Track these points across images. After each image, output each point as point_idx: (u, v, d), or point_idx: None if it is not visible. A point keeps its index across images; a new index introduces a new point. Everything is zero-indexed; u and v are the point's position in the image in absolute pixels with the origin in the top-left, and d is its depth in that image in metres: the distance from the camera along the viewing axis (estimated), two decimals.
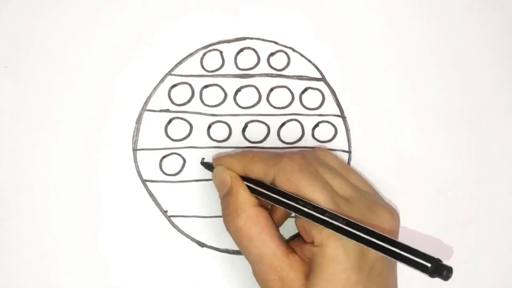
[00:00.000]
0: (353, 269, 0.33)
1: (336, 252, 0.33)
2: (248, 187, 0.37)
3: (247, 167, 0.37)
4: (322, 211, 0.33)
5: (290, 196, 0.35)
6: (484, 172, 0.42)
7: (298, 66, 0.43)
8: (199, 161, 0.42)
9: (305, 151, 0.38)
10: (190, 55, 0.42)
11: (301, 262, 0.35)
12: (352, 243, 0.33)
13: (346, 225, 0.33)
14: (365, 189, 0.38)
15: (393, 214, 0.36)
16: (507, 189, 0.42)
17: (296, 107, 0.43)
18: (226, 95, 0.42)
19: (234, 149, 0.42)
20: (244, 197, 0.36)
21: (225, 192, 0.37)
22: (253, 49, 0.43)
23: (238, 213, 0.36)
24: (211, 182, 0.42)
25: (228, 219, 0.36)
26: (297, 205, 0.34)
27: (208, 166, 0.40)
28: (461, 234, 0.42)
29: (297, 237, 0.38)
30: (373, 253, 0.34)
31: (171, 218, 0.42)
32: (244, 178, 0.37)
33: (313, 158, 0.37)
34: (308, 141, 0.42)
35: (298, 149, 0.42)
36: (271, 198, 0.35)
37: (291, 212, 0.35)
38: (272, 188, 0.36)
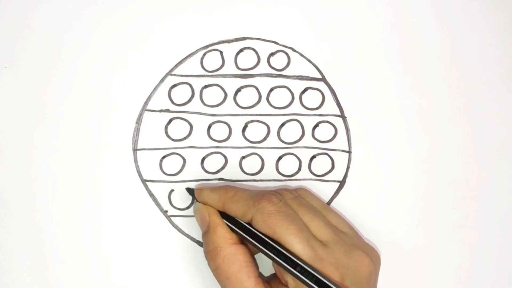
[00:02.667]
0: None
1: None
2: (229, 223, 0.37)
3: (227, 204, 0.37)
4: (294, 265, 0.34)
5: (265, 242, 0.35)
6: (485, 172, 0.42)
7: (298, 66, 0.43)
8: (198, 162, 0.42)
9: (287, 190, 0.38)
10: (190, 55, 0.42)
11: None
12: None
13: (314, 283, 0.33)
14: (345, 231, 0.38)
15: (372, 257, 0.36)
16: (507, 189, 0.42)
17: (296, 107, 0.43)
18: (226, 95, 0.42)
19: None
20: (222, 235, 0.37)
21: (205, 229, 0.38)
22: (253, 49, 0.43)
23: (217, 251, 0.36)
24: (214, 182, 0.42)
25: (208, 257, 0.37)
26: (270, 253, 0.34)
27: (192, 193, 0.40)
28: (461, 234, 0.42)
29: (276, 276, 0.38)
30: None
31: (171, 218, 0.42)
32: (224, 214, 0.37)
33: (293, 198, 0.37)
34: (308, 141, 0.42)
35: (299, 148, 0.42)
36: (247, 240, 0.36)
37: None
38: (249, 230, 0.36)
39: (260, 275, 0.36)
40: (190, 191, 0.41)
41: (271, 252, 0.34)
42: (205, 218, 0.38)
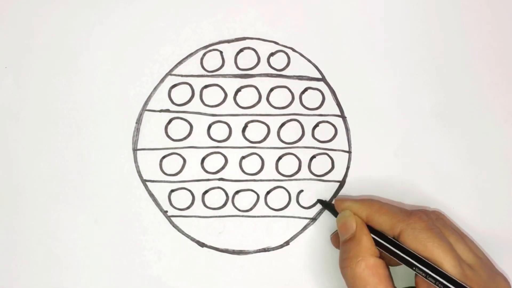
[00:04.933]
0: None
1: None
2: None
3: (372, 216, 0.37)
4: (448, 278, 0.34)
5: (413, 256, 0.35)
6: (484, 171, 0.42)
7: (298, 66, 0.43)
8: (198, 162, 0.42)
9: (427, 211, 0.39)
10: (190, 55, 0.42)
11: None
12: None
13: None
14: (482, 257, 0.38)
15: (508, 282, 0.37)
16: (507, 188, 0.42)
17: (296, 107, 0.43)
18: (226, 95, 0.42)
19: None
20: (367, 245, 0.37)
21: (347, 236, 0.38)
22: (253, 49, 0.43)
23: (358, 260, 0.36)
24: (214, 182, 0.42)
25: (346, 263, 0.37)
26: (421, 266, 0.35)
27: (326, 205, 0.41)
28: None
29: None
30: None
31: (171, 218, 0.42)
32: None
33: (436, 219, 0.38)
34: (308, 141, 0.42)
35: (299, 148, 0.42)
36: (394, 253, 0.36)
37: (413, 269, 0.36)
38: (396, 243, 0.36)
39: None
40: (323, 202, 0.41)
41: (421, 267, 0.35)
42: (351, 226, 0.38)
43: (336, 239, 0.40)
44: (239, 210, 0.42)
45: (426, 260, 0.35)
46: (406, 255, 0.36)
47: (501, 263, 0.41)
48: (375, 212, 0.37)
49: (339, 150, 0.42)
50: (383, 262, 0.36)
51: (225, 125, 0.42)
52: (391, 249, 0.36)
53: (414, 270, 0.35)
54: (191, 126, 0.42)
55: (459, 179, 0.42)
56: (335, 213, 0.40)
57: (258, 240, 0.42)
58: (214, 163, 0.42)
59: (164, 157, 0.42)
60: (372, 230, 0.37)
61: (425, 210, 0.39)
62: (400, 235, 0.36)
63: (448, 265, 0.35)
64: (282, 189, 0.42)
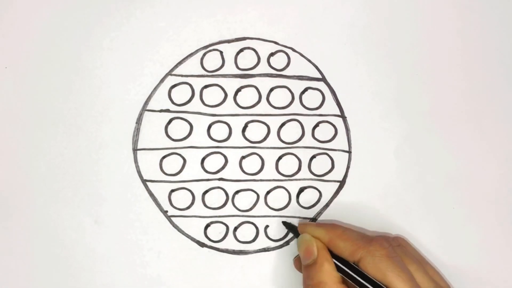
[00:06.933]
0: None
1: None
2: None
3: (334, 241, 0.37)
4: None
5: (375, 283, 0.35)
6: (484, 171, 0.42)
7: (298, 66, 0.43)
8: (198, 162, 0.42)
9: (389, 238, 0.39)
10: (190, 55, 0.42)
11: None
12: None
13: None
14: (442, 285, 0.38)
15: None
16: (507, 188, 0.42)
17: (296, 107, 0.43)
18: (226, 95, 0.42)
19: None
20: (329, 271, 0.37)
21: (309, 262, 0.38)
22: (253, 49, 0.43)
23: (321, 286, 0.36)
24: (214, 182, 0.42)
25: None
26: None
27: (291, 227, 0.41)
28: (461, 234, 0.42)
29: None
30: None
31: (171, 218, 0.42)
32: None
33: (397, 246, 0.38)
34: (308, 141, 0.42)
35: (299, 148, 0.42)
36: (355, 279, 0.36)
37: None
38: (358, 270, 0.36)
39: None
40: (287, 225, 0.41)
41: None
42: (312, 251, 0.38)
43: (298, 263, 0.40)
44: (239, 210, 0.42)
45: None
46: (367, 282, 0.36)
47: (501, 263, 0.41)
48: (337, 237, 0.37)
49: (339, 150, 0.42)
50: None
51: (225, 125, 0.42)
52: (352, 276, 0.36)
53: None
54: (191, 126, 0.42)
55: (459, 179, 0.42)
56: (298, 235, 0.40)
57: (258, 240, 0.42)
58: (214, 163, 0.42)
59: (164, 157, 0.42)
60: (333, 255, 0.37)
61: (387, 236, 0.39)
62: (360, 261, 0.36)
63: None
64: (282, 189, 0.42)
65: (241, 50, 0.42)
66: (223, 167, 0.42)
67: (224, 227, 0.42)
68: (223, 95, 0.42)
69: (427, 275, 0.37)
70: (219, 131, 0.42)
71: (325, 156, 0.42)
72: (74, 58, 0.42)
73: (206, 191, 0.42)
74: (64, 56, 0.42)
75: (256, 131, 0.42)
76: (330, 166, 0.42)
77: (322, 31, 0.43)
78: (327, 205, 0.42)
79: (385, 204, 0.42)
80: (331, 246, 0.37)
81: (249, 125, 0.42)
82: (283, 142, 0.42)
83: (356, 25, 0.43)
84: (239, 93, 0.42)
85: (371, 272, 0.36)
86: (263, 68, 0.42)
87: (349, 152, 0.42)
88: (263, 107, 0.42)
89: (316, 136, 0.42)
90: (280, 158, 0.42)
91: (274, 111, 0.42)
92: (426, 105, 0.43)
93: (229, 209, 0.42)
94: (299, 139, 0.42)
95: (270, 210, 0.42)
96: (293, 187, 0.42)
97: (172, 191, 0.42)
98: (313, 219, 0.42)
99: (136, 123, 0.42)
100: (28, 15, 0.42)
